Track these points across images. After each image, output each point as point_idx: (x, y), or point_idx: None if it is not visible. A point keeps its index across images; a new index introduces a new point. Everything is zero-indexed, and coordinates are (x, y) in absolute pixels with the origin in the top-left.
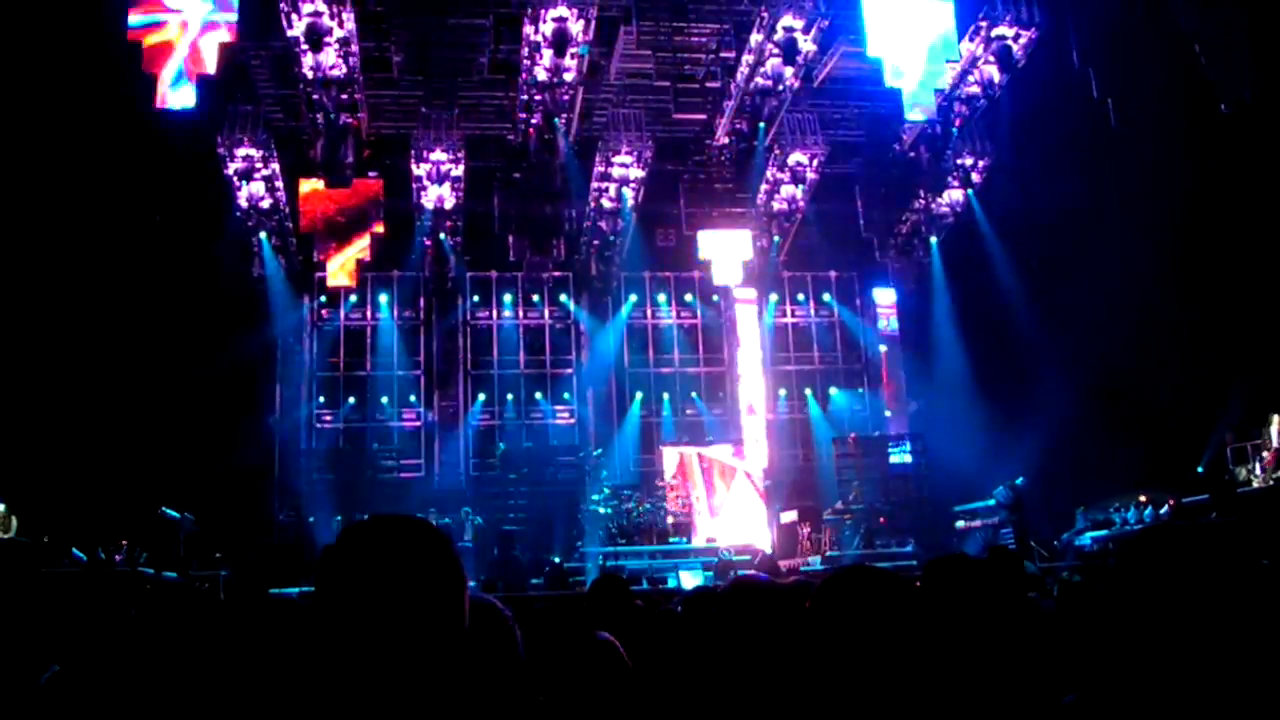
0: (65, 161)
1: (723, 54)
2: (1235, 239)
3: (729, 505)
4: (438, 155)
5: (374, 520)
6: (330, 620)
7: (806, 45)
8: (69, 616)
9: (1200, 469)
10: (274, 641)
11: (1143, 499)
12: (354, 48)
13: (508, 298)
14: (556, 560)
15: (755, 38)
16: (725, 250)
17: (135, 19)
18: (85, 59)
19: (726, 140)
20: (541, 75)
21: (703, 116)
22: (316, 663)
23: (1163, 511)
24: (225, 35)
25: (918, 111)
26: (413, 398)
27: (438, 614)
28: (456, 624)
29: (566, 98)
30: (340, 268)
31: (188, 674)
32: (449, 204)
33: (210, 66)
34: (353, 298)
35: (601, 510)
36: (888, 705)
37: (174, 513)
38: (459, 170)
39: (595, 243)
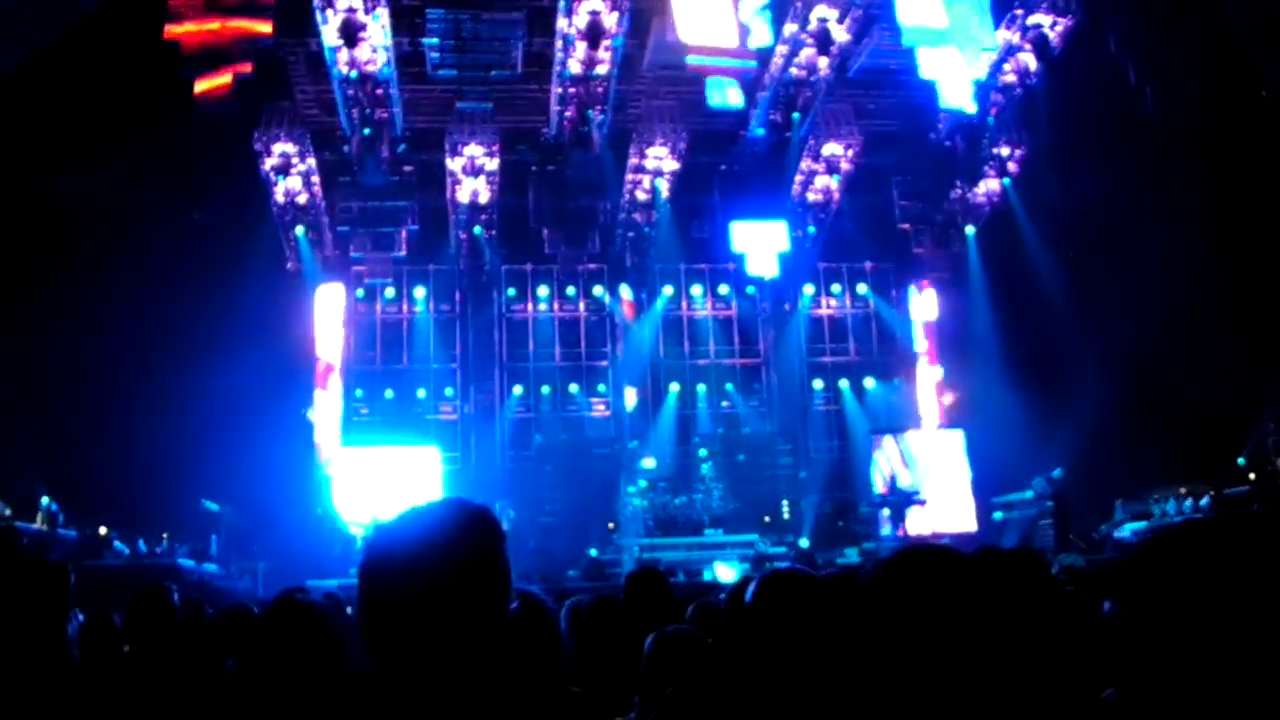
0: (105, 160)
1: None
2: (1276, 227)
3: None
4: (472, 149)
5: (433, 502)
6: (373, 600)
7: (841, 35)
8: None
9: (1241, 460)
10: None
11: (1183, 491)
12: (388, 43)
13: (543, 290)
14: (593, 552)
15: (790, 27)
16: (760, 242)
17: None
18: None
19: (761, 131)
20: (575, 68)
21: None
22: (360, 642)
23: (1203, 503)
24: (261, 31)
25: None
26: (449, 390)
27: (483, 601)
28: (500, 613)
29: (600, 90)
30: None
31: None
32: (484, 198)
33: (246, 64)
34: (389, 292)
35: (638, 502)
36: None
37: (214, 505)
38: (493, 164)
39: (630, 235)
